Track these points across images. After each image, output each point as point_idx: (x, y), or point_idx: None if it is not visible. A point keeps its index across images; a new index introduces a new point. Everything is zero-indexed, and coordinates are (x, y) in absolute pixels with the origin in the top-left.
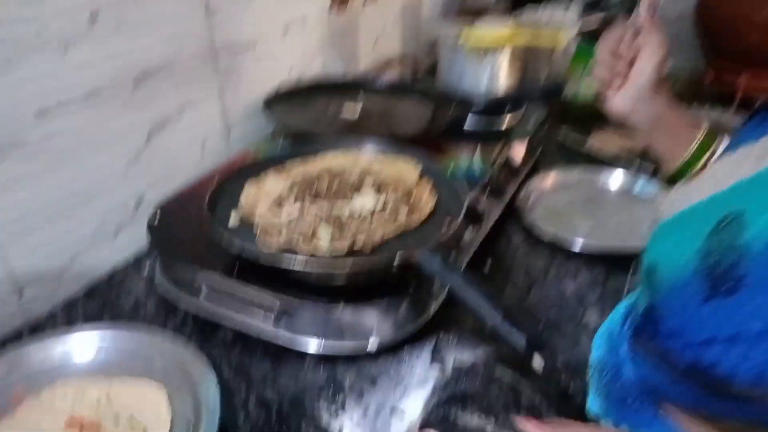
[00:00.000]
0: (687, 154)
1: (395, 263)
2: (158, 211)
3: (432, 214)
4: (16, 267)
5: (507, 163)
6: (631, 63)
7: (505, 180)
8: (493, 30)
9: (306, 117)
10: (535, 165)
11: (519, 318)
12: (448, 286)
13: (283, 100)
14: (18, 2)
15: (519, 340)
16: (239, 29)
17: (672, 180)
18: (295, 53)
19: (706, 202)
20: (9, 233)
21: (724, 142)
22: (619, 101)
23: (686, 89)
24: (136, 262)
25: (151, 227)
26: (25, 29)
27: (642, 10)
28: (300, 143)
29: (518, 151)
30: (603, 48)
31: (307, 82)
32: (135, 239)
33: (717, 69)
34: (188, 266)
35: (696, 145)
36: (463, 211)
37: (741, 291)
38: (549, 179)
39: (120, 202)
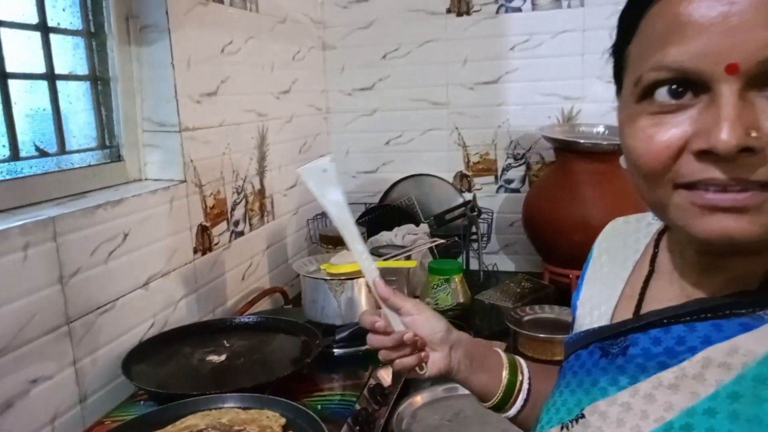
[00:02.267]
0: (502, 386)
1: None
2: None
3: None
4: None
5: (376, 390)
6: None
7: (376, 409)
8: (349, 260)
9: (169, 371)
10: (405, 384)
11: None
12: None
13: (144, 356)
14: None
15: None
16: (97, 291)
17: (496, 408)
18: (158, 303)
19: None
20: None
21: (526, 370)
22: (435, 360)
23: (529, 289)
24: None
25: None
26: None
27: (380, 286)
28: (161, 404)
29: (385, 375)
30: (378, 343)
31: (170, 332)
32: None
33: (550, 269)
34: None
35: (506, 376)
36: None
37: None
38: (419, 398)
39: None
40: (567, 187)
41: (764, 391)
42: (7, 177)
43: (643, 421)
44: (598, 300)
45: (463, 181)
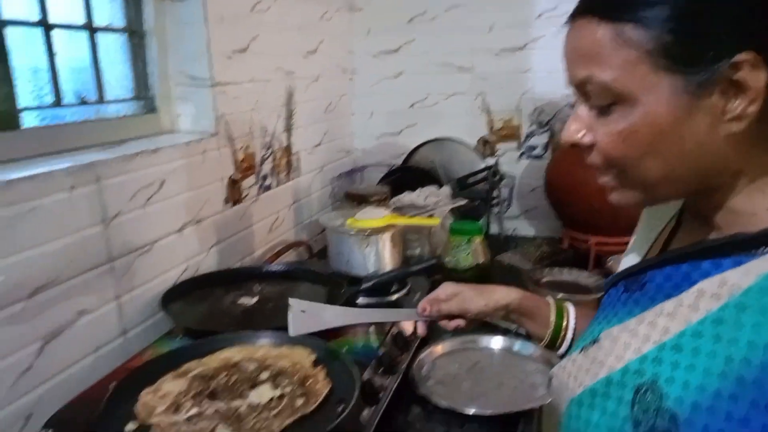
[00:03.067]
0: (550, 329)
1: None
2: (50, 428)
3: (329, 396)
4: None
5: (398, 337)
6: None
7: (398, 354)
8: (374, 216)
9: (203, 311)
10: (426, 336)
11: None
12: None
13: (180, 295)
14: None
15: None
16: (136, 234)
17: (549, 346)
18: (192, 248)
19: (619, 373)
20: None
21: (572, 312)
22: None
23: (548, 253)
24: None
25: None
26: None
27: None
28: (197, 340)
29: (407, 324)
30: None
31: (204, 275)
32: None
33: (570, 234)
34: None
35: (553, 325)
36: (356, 394)
37: None
38: (439, 347)
39: (7, 421)
40: None
41: (743, 317)
42: (51, 123)
43: (644, 343)
44: (635, 247)
45: (485, 146)
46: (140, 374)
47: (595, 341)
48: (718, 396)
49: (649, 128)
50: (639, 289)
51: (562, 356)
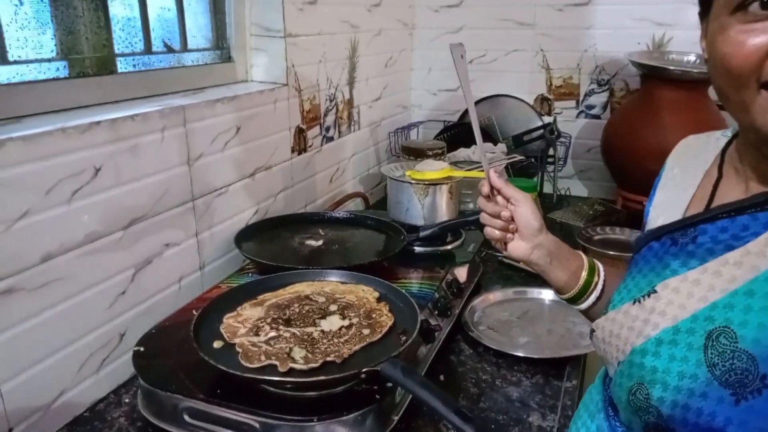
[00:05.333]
0: (579, 284)
1: (362, 375)
2: (141, 346)
3: (391, 330)
4: (8, 404)
5: (452, 284)
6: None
7: (452, 299)
8: (432, 168)
9: (273, 250)
10: (478, 283)
11: (468, 414)
12: (410, 394)
13: (251, 236)
14: (32, 158)
15: (468, 430)
16: (215, 176)
17: (571, 300)
18: (261, 193)
19: (687, 321)
20: (6, 371)
21: (602, 272)
22: (519, 246)
23: (601, 213)
24: (118, 395)
25: (136, 361)
26: (37, 181)
27: (492, 177)
28: (270, 275)
29: (461, 272)
30: (483, 211)
31: (273, 218)
32: (117, 372)
33: (625, 195)
34: (170, 394)
35: (585, 276)
36: (417, 326)
37: None
38: (491, 296)
39: (105, 338)
40: (650, 114)
41: None
42: (142, 68)
43: (710, 292)
44: (671, 203)
45: (543, 104)
46: (222, 302)
47: (651, 293)
48: None
49: None
50: (691, 242)
51: (584, 311)
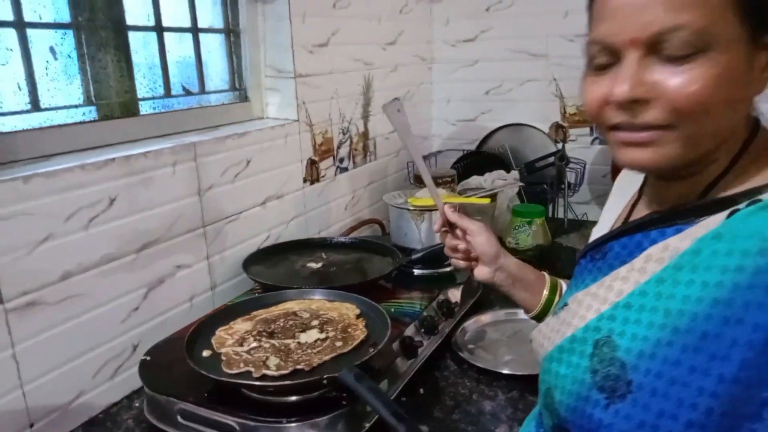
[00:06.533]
0: (541, 303)
1: (324, 380)
2: (148, 355)
3: (363, 343)
4: (30, 402)
5: (443, 304)
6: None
7: (441, 318)
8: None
9: (277, 272)
10: (477, 304)
11: (404, 415)
12: (360, 398)
13: (260, 259)
14: (53, 190)
15: (401, 429)
16: (225, 204)
17: (537, 318)
18: (272, 220)
19: (581, 331)
20: (29, 374)
21: (564, 290)
22: (482, 271)
23: None
24: (130, 400)
25: (141, 368)
26: (58, 210)
27: (447, 212)
28: (267, 293)
29: (456, 293)
30: (446, 245)
31: (282, 243)
32: (130, 380)
33: None
34: (168, 397)
35: (546, 295)
36: (385, 340)
37: (632, 393)
38: (482, 317)
39: (119, 348)
40: None
41: (679, 275)
42: (162, 110)
43: (602, 304)
44: (603, 223)
45: (558, 131)
46: (218, 317)
47: (564, 305)
48: (658, 344)
49: (730, 76)
50: (602, 258)
51: None
